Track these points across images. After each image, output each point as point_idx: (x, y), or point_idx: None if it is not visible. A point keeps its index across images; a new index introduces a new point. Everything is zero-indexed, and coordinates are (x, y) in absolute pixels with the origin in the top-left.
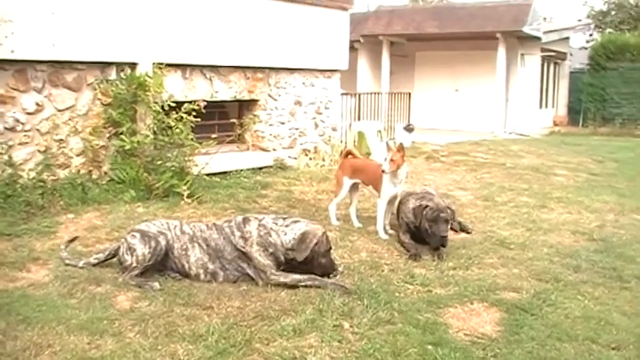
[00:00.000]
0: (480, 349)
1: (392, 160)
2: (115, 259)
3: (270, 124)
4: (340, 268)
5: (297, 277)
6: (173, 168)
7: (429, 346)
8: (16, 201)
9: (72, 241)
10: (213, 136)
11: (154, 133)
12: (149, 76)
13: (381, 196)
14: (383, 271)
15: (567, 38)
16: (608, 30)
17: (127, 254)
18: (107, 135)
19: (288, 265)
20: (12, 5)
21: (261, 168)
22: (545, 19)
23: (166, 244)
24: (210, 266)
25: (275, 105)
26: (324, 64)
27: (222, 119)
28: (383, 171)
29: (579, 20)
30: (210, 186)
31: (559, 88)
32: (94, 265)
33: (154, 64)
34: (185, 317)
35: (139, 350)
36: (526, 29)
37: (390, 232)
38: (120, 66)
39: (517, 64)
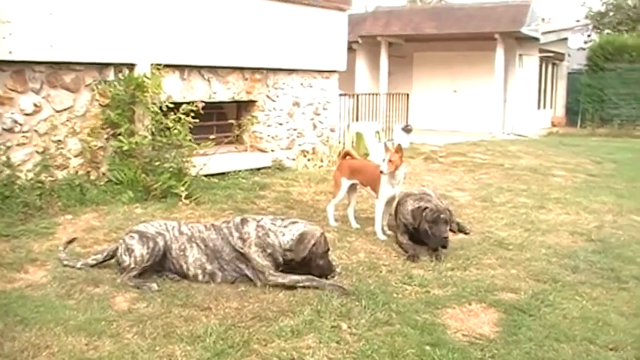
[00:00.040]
0: (478, 349)
1: (390, 160)
2: (113, 260)
3: (269, 125)
4: (338, 269)
5: (295, 277)
6: (171, 169)
7: (427, 347)
8: (14, 202)
9: (70, 242)
10: (212, 137)
11: (152, 134)
12: (147, 77)
13: (379, 196)
14: (381, 271)
15: (565, 39)
16: (607, 31)
17: (125, 255)
18: (105, 136)
19: (287, 266)
20: (10, 6)
21: (259, 169)
22: (543, 19)
23: (164, 244)
24: (209, 267)
25: (273, 106)
26: (322, 65)
27: (220, 120)
28: (381, 172)
29: (577, 21)
30: (208, 187)
31: (557, 88)
32: (92, 266)
33: (152, 65)
34: (183, 318)
35: (136, 351)
36: (524, 30)
37: (388, 232)
38: (118, 67)
39: (515, 64)
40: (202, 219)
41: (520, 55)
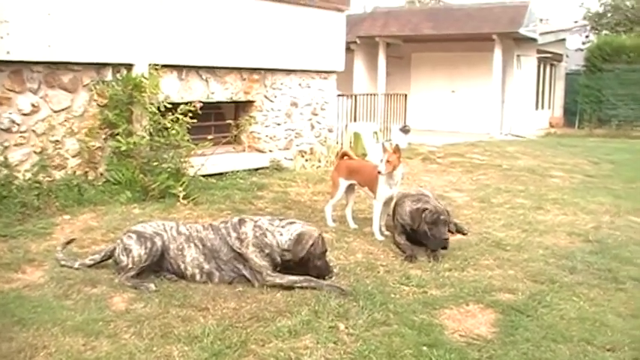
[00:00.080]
0: (475, 350)
1: (388, 161)
2: (110, 261)
3: (267, 126)
4: (336, 270)
5: (292, 278)
6: (169, 169)
7: (425, 348)
8: (11, 202)
9: (68, 243)
10: (209, 137)
11: (150, 134)
12: (145, 77)
13: (377, 197)
14: (379, 272)
15: (563, 40)
16: (605, 32)
17: (122, 255)
18: (103, 136)
19: (284, 266)
20: (8, 6)
21: (257, 169)
22: (541, 20)
23: (162, 244)
24: (206, 266)
25: (271, 106)
26: (320, 66)
27: (218, 120)
28: (379, 172)
29: (575, 22)
30: (206, 187)
31: (555, 89)
32: (90, 266)
33: (149, 65)
34: (181, 318)
35: (134, 352)
36: (522, 31)
37: (386, 233)
38: (116, 67)
39: (513, 65)
40: (200, 219)
41: (518, 55)
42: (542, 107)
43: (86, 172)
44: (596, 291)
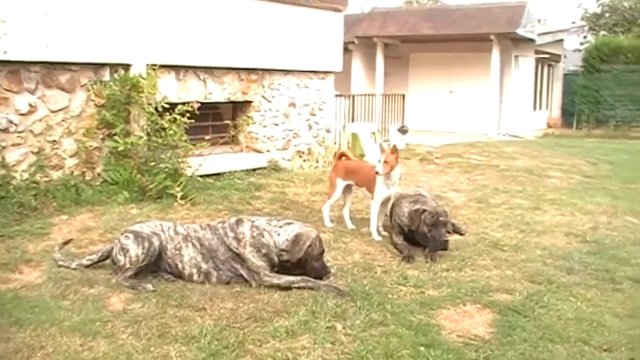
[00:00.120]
0: (473, 350)
1: (385, 161)
2: (108, 261)
3: (264, 126)
4: (333, 270)
5: (290, 278)
6: (167, 169)
7: (422, 348)
8: (9, 202)
9: (66, 243)
10: (207, 137)
11: (148, 134)
12: (143, 78)
13: (375, 197)
14: (376, 272)
15: (561, 40)
16: (602, 32)
17: (120, 255)
18: (100, 136)
19: (282, 266)
20: (5, 6)
21: (254, 169)
22: (539, 21)
23: (160, 244)
24: (204, 266)
25: (269, 106)
26: (318, 66)
27: (215, 121)
28: (377, 172)
29: (573, 22)
30: (203, 187)
31: (553, 90)
32: (87, 266)
33: (147, 65)
34: (178, 319)
35: (131, 352)
36: (520, 31)
37: (384, 233)
38: (113, 67)
39: (511, 66)
40: (198, 219)
41: (516, 56)
42: (540, 108)
43: (84, 173)
44: (593, 291)
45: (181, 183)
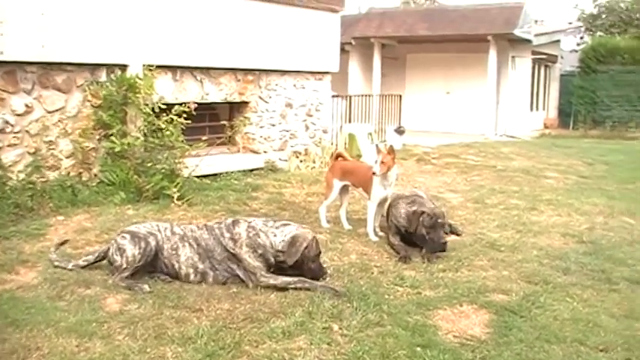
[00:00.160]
0: (469, 350)
1: (382, 162)
2: (104, 262)
3: (261, 127)
4: (330, 271)
5: (286, 279)
6: (163, 170)
7: (418, 348)
8: (5, 203)
9: (62, 244)
10: (204, 138)
11: (145, 135)
12: (139, 78)
13: (371, 198)
14: (372, 273)
15: (558, 41)
16: (599, 33)
17: (116, 255)
18: (97, 137)
19: (278, 267)
20: (1, 6)
21: (251, 170)
22: (536, 21)
23: (156, 244)
24: (200, 266)
25: (266, 107)
26: (314, 67)
27: (212, 121)
28: (373, 173)
29: (570, 23)
30: (200, 188)
31: (550, 90)
32: (83, 267)
33: (144, 65)
34: (174, 320)
35: (127, 353)
36: (517, 32)
37: (380, 234)
38: (110, 68)
39: (508, 66)
40: (194, 220)
41: (513, 56)
42: (537, 108)
43: (80, 173)
44: (589, 292)
45: (178, 184)
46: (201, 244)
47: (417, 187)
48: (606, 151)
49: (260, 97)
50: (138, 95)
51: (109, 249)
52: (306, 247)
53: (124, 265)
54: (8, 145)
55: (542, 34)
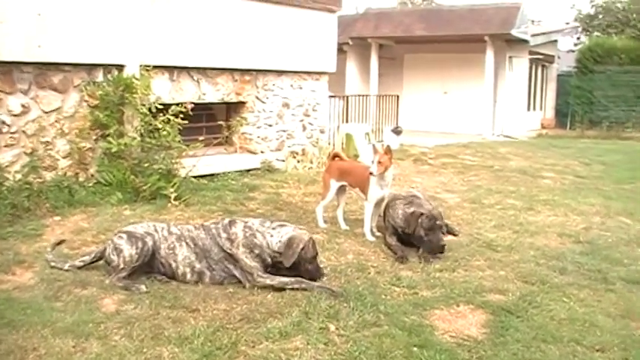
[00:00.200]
0: (466, 350)
1: (379, 162)
2: (101, 262)
3: (258, 127)
4: (327, 271)
5: (283, 279)
6: (160, 170)
7: (415, 348)
8: (1, 203)
9: (59, 244)
10: (201, 138)
11: (141, 135)
12: (136, 78)
13: (368, 198)
14: (369, 273)
15: (555, 41)
16: (596, 33)
17: (113, 255)
18: (94, 137)
19: (275, 267)
20: None
21: (248, 170)
22: (533, 22)
23: (153, 244)
24: (197, 265)
25: (263, 107)
26: (312, 67)
27: (209, 121)
28: (370, 173)
29: (567, 23)
30: (197, 188)
31: (547, 90)
32: (80, 267)
33: (141, 66)
34: (171, 320)
35: (124, 353)
36: (514, 32)
37: (377, 234)
38: (107, 68)
39: (505, 66)
40: (191, 220)
41: (510, 57)
42: (534, 108)
43: (77, 174)
44: (586, 292)
45: (175, 184)
46: (198, 244)
47: (414, 187)
48: (603, 151)
49: (257, 98)
50: (135, 95)
51: (105, 249)
52: (302, 249)
53: (121, 266)
54: (5, 146)
55: (539, 35)
